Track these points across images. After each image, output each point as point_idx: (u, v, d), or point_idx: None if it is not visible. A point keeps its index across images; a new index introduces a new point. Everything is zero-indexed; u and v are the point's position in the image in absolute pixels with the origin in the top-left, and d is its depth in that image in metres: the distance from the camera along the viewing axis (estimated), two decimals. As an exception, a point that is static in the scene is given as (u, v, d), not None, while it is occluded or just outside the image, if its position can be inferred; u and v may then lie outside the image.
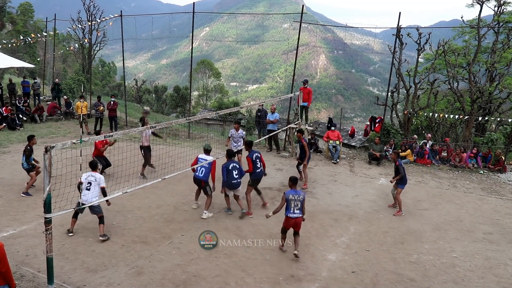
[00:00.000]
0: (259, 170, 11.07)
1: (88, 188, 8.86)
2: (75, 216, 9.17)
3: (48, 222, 6.69)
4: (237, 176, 10.37)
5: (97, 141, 12.71)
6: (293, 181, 8.74)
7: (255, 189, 11.33)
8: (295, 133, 16.49)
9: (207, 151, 10.79)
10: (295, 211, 8.43)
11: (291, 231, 8.73)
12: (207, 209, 10.67)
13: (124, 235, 9.33)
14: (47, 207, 6.66)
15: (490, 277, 8.29)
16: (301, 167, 13.77)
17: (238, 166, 10.49)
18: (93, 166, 9.31)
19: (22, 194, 11.36)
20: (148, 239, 9.23)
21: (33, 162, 11.78)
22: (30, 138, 11.97)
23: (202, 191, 10.86)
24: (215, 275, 7.84)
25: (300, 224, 8.63)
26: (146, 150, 13.52)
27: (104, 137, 8.58)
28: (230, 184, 10.35)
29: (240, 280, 7.73)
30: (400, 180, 11.43)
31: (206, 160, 10.51)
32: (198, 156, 10.75)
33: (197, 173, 10.52)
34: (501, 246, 9.72)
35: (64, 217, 9.12)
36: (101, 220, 9.12)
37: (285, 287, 7.60)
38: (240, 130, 14.54)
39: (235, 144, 14.32)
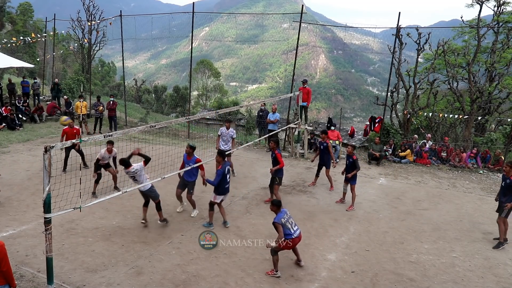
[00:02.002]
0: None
1: (135, 179, 9.28)
2: (145, 204, 9.89)
3: (47, 222, 6.69)
4: (229, 179, 9.88)
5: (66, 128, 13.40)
6: (277, 205, 7.87)
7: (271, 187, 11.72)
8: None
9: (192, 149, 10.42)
10: (294, 228, 7.83)
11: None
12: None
13: (123, 235, 9.33)
14: (47, 207, 6.66)
15: (490, 277, 8.29)
16: (321, 172, 13.33)
17: (230, 169, 10.09)
18: (125, 164, 9.15)
19: None
20: (147, 239, 9.23)
21: None
22: None
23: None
24: (215, 275, 7.85)
25: (301, 239, 8.08)
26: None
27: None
28: (223, 189, 9.71)
29: (239, 280, 7.73)
30: (354, 176, 11.54)
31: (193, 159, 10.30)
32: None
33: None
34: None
35: (64, 217, 9.14)
36: (159, 206, 9.73)
37: (284, 287, 7.60)
38: (231, 129, 13.86)
39: (225, 145, 13.64)
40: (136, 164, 9.25)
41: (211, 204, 9.80)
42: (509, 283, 8.07)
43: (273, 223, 7.71)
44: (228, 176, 9.76)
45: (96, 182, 11.91)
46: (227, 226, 9.99)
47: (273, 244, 7.73)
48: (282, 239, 7.62)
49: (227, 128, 13.72)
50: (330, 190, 13.15)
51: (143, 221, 9.81)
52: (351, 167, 11.57)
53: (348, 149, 11.86)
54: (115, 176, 12.24)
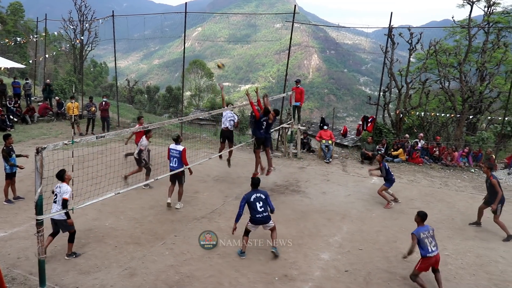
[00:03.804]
0: (262, 131, 12.28)
1: (54, 200, 8.04)
2: (53, 234, 8.35)
3: (39, 224, 6.66)
4: (262, 209, 8.48)
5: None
6: (422, 217, 7.81)
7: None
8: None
9: (175, 140, 11.08)
10: (433, 249, 7.52)
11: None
12: (180, 199, 11.17)
13: (117, 236, 9.30)
14: (39, 209, 6.64)
15: (482, 274, 8.36)
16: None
17: (263, 197, 8.60)
18: (60, 177, 8.18)
19: (4, 203, 10.98)
20: (141, 240, 9.20)
21: (16, 165, 11.17)
22: (6, 138, 11.26)
23: (177, 181, 11.15)
24: (209, 275, 7.84)
25: (439, 260, 7.71)
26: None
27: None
28: (255, 218, 8.53)
29: (233, 280, 7.73)
30: (386, 179, 12.10)
31: (176, 150, 10.84)
32: (170, 147, 11.04)
33: (171, 164, 10.94)
34: (492, 244, 9.81)
35: (56, 218, 9.08)
36: (72, 237, 8.29)
37: (278, 287, 7.61)
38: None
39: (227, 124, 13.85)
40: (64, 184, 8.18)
41: (245, 231, 8.72)
42: (500, 280, 8.14)
43: (411, 234, 7.73)
44: (258, 206, 8.49)
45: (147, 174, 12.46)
46: (274, 252, 8.70)
47: (406, 255, 7.92)
48: (412, 252, 7.73)
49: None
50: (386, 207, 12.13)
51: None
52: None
53: (377, 157, 12.53)
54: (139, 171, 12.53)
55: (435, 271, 7.77)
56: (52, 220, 8.06)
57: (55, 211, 7.80)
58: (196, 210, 11.11)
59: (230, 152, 13.80)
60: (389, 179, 12.07)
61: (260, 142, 12.55)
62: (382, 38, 19.51)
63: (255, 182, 8.79)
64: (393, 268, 8.42)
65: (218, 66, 14.61)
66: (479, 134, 19.70)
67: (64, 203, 7.79)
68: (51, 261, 7.87)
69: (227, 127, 13.77)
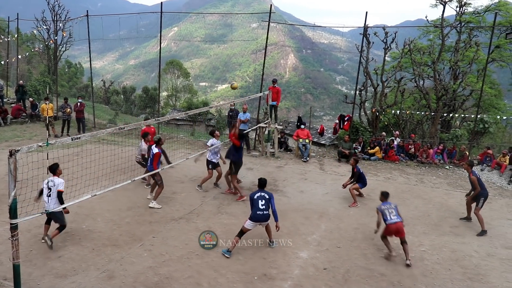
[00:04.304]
0: (240, 154, 12.11)
1: (49, 194, 8.33)
2: (47, 222, 8.81)
3: (14, 228, 6.52)
4: (263, 207, 8.77)
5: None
6: (384, 195, 9.40)
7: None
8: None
9: (156, 143, 11.09)
10: (392, 217, 8.80)
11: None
12: (155, 199, 11.18)
13: (94, 239, 9.17)
14: (13, 213, 6.49)
15: (457, 269, 8.55)
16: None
17: (267, 197, 8.91)
18: (53, 170, 8.62)
19: None
20: (119, 242, 9.10)
21: None
22: None
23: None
24: (188, 276, 7.81)
25: (403, 230, 8.84)
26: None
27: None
28: (255, 215, 8.76)
29: (212, 280, 7.72)
30: (359, 181, 12.40)
31: (152, 152, 10.91)
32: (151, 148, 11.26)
33: (148, 164, 11.15)
34: (466, 239, 10.04)
35: (31, 222, 8.88)
36: (61, 229, 8.67)
37: (258, 286, 7.63)
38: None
39: (214, 156, 12.68)
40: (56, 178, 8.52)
41: (240, 231, 8.87)
42: (474, 274, 8.35)
43: (376, 208, 9.24)
44: (260, 203, 8.76)
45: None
46: (272, 246, 9.23)
47: (377, 229, 9.13)
48: (379, 223, 9.06)
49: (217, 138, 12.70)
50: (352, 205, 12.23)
51: (43, 240, 8.73)
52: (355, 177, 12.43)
53: (351, 162, 12.69)
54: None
55: (403, 242, 8.81)
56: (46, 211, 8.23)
57: (52, 206, 8.25)
58: (174, 210, 11.04)
59: (219, 177, 13.04)
60: (362, 182, 12.39)
61: (239, 166, 12.23)
62: (357, 38, 19.72)
63: (262, 183, 9.22)
64: (371, 265, 8.55)
65: (234, 87, 15.19)
66: (453, 132, 20.10)
67: (60, 195, 8.28)
68: (26, 265, 7.71)
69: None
